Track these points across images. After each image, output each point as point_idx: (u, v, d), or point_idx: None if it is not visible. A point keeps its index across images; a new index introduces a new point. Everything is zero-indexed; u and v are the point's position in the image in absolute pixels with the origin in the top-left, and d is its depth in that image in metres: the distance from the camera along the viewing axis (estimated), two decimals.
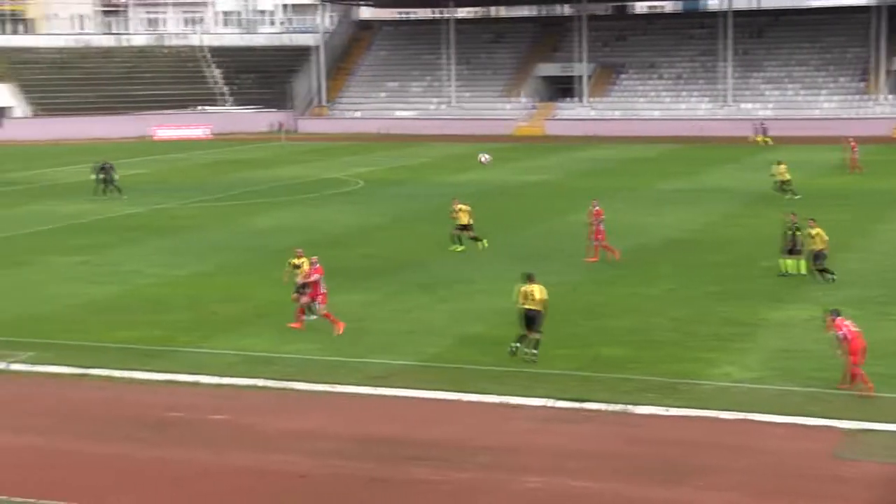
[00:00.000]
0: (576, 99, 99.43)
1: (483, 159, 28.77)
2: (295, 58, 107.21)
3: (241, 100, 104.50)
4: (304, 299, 28.60)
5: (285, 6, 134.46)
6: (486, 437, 21.04)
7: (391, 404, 23.20)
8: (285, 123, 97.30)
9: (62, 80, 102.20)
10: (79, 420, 22.23)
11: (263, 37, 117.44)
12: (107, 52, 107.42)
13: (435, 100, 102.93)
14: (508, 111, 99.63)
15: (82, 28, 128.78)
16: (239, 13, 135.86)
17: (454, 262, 37.71)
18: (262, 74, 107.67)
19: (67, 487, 18.60)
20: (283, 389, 24.12)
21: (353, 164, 71.54)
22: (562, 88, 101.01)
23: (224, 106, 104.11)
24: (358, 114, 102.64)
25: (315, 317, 28.68)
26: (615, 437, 21.02)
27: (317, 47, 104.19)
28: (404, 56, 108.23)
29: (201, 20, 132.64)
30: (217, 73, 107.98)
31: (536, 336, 25.60)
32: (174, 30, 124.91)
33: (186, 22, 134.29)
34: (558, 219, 47.49)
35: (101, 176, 55.91)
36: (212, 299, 32.39)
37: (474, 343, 27.36)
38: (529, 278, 26.14)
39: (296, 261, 29.44)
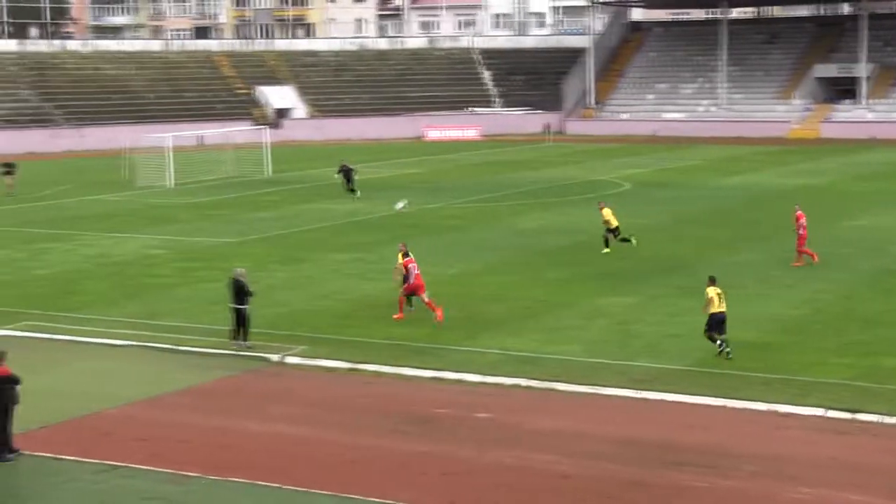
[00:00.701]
0: (853, 100, 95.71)
1: (399, 206, 29.51)
2: (565, 60, 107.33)
3: (511, 101, 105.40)
4: (403, 290, 30.10)
5: (557, 8, 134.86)
6: (753, 444, 20.45)
7: (655, 408, 22.86)
8: (552, 125, 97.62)
9: (339, 83, 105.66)
10: (348, 413, 22.84)
11: (534, 39, 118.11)
12: (382, 55, 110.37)
13: (705, 101, 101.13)
14: (782, 113, 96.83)
15: (362, 32, 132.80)
16: (510, 15, 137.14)
17: (723, 265, 36.85)
18: (532, 76, 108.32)
19: (336, 478, 19.13)
20: (547, 390, 24.13)
21: (620, 166, 71.08)
22: (838, 90, 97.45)
23: (494, 107, 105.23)
24: (626, 115, 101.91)
25: (412, 308, 30.29)
26: (893, 451, 20.04)
27: (587, 49, 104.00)
28: (675, 57, 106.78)
29: (474, 23, 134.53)
30: (488, 74, 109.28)
31: (725, 336, 25.87)
32: (447, 32, 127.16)
33: (459, 24, 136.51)
34: (833, 223, 45.83)
35: (342, 176, 57.27)
36: (478, 298, 32.73)
37: (743, 348, 26.63)
38: (714, 280, 26.48)
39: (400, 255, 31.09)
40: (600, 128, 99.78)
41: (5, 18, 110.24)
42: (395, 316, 30.15)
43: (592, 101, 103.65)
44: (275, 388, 24.74)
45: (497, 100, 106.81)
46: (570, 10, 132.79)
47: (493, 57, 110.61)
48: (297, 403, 23.57)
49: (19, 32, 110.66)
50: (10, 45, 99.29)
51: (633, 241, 39.73)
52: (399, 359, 26.39)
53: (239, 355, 27.02)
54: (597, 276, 35.58)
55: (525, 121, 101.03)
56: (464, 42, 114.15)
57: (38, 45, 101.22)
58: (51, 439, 21.16)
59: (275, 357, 26.78)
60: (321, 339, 28.29)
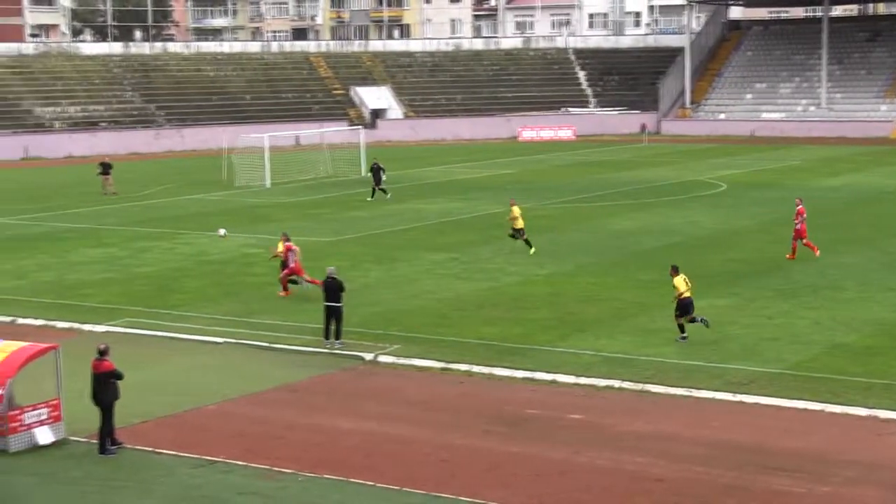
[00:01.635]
0: None
1: (221, 233, 34.52)
2: (661, 59, 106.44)
3: (606, 102, 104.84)
4: (284, 274, 33.95)
5: (654, 7, 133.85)
6: (854, 450, 20.12)
7: (752, 412, 22.59)
8: (648, 125, 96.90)
9: (434, 83, 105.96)
10: (440, 412, 22.94)
11: (630, 38, 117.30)
12: (477, 55, 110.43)
13: (804, 101, 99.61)
14: (885, 112, 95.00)
15: (457, 32, 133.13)
16: (606, 15, 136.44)
17: (820, 268, 36.34)
18: (628, 76, 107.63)
19: (428, 477, 19.23)
20: (641, 392, 24.00)
21: (716, 167, 70.32)
22: None
23: (589, 108, 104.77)
24: (723, 115, 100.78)
25: (300, 285, 33.91)
26: None
27: (684, 49, 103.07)
28: (774, 56, 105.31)
29: (569, 22, 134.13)
30: (583, 74, 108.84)
31: (690, 317, 27.65)
32: (542, 32, 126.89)
33: (554, 24, 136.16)
34: None
35: (371, 175, 57.43)
36: (571, 299, 32.65)
37: (843, 352, 26.24)
38: (677, 269, 28.31)
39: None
40: (697, 128, 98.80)
41: (111, 22, 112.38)
42: (279, 293, 33.75)
43: (688, 101, 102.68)
44: (368, 386, 24.93)
45: (592, 100, 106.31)
46: (667, 10, 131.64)
47: (589, 57, 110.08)
48: (390, 402, 23.73)
49: (124, 35, 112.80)
50: (115, 47, 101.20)
51: (532, 250, 39.77)
52: (491, 359, 26.44)
53: (333, 353, 27.29)
54: (691, 278, 35.18)
55: (620, 121, 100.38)
56: (559, 42, 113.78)
57: (141, 47, 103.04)
58: (151, 433, 21.60)
59: (368, 356, 26.99)
60: (414, 338, 28.44)
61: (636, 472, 19.26)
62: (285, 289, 33.91)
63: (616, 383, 24.46)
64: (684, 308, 27.67)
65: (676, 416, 22.44)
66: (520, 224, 40.29)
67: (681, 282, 27.87)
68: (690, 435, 21.14)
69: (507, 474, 19.32)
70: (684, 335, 27.58)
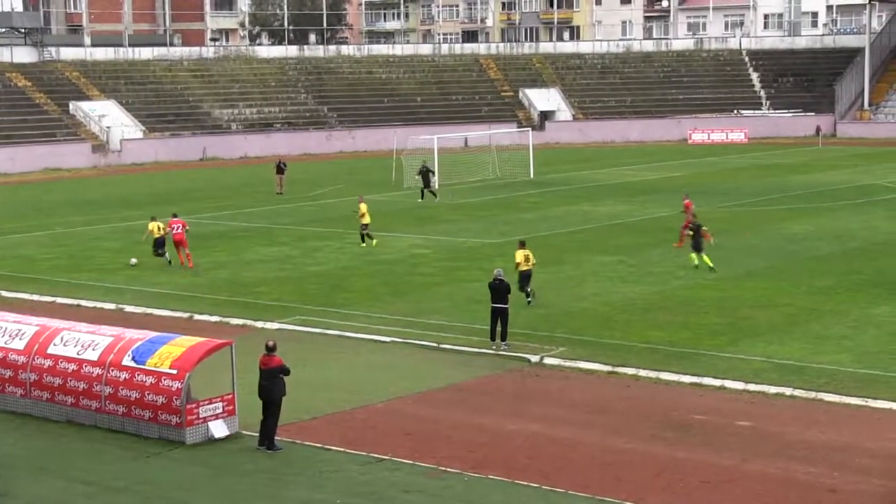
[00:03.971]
0: None
1: (133, 262, 39.28)
2: (839, 60, 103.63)
3: (779, 104, 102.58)
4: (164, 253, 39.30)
5: (831, 7, 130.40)
6: None
7: None
8: (823, 128, 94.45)
9: (603, 85, 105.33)
10: (606, 416, 22.81)
11: (806, 39, 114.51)
12: (647, 57, 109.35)
13: None
14: None
15: (628, 34, 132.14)
16: (781, 15, 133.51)
17: None
18: (803, 77, 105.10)
19: (592, 481, 19.15)
20: (814, 400, 23.45)
21: (895, 171, 68.11)
22: None
23: (762, 110, 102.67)
24: None
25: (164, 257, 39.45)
26: None
27: (863, 49, 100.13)
28: None
29: (742, 23, 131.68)
30: (756, 76, 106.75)
31: (530, 288, 31.40)
32: (715, 34, 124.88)
33: (727, 25, 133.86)
34: None
35: (420, 178, 58.24)
36: (741, 304, 32.07)
37: None
38: (523, 244, 32.17)
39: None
40: (876, 131, 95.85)
41: (287, 26, 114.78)
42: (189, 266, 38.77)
43: (868, 103, 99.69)
44: (534, 388, 24.94)
45: (765, 102, 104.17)
46: (846, 9, 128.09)
47: (763, 58, 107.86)
48: (555, 404, 23.70)
49: (300, 39, 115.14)
50: (291, 50, 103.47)
51: (374, 242, 42.89)
52: (659, 363, 26.17)
53: (499, 355, 27.37)
54: (868, 285, 34.29)
55: (794, 123, 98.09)
56: (732, 43, 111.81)
57: (315, 50, 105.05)
58: (320, 430, 22.00)
59: (534, 358, 27.00)
60: (580, 340, 28.33)
61: (808, 482, 18.82)
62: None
63: (788, 391, 23.95)
64: (521, 280, 31.13)
65: (851, 426, 21.85)
66: (366, 220, 43.00)
67: (520, 255, 31.43)
68: (867, 446, 20.55)
69: (673, 480, 19.11)
70: (531, 298, 31.26)
